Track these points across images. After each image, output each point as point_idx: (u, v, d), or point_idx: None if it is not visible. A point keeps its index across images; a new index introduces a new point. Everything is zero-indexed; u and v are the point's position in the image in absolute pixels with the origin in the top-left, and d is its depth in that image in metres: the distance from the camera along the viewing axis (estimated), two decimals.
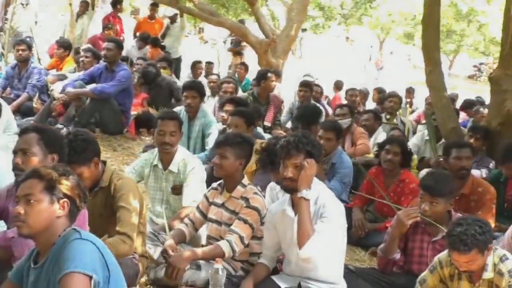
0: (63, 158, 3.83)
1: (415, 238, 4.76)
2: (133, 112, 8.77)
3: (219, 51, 17.03)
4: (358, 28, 37.34)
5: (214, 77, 11.05)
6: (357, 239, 6.14)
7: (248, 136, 5.13)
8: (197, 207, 4.85)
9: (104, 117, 8.08)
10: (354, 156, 7.33)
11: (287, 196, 4.32)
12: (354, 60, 37.70)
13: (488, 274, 3.87)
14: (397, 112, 9.86)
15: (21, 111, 8.83)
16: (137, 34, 14.74)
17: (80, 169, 4.12)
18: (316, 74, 16.90)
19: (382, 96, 11.51)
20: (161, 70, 10.37)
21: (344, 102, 11.86)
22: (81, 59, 9.51)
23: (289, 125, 9.58)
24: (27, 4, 12.75)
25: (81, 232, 3.00)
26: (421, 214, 4.55)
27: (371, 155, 7.55)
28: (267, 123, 8.79)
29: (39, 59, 11.50)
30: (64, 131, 7.61)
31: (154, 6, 15.50)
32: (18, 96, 9.06)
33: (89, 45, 11.76)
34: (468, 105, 10.82)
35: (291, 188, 4.16)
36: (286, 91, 12.48)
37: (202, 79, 12.36)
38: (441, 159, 6.97)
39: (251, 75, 13.08)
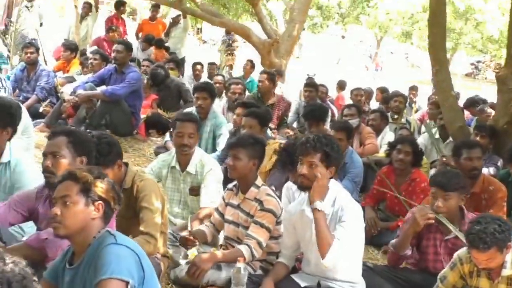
0: (92, 160, 3.90)
1: (429, 236, 4.83)
2: (142, 115, 8.83)
3: (221, 52, 17.10)
4: (356, 27, 37.45)
5: (219, 78, 11.11)
6: (369, 237, 6.20)
7: (260, 136, 5.20)
8: (217, 209, 4.96)
9: (115, 118, 8.16)
10: (362, 155, 7.41)
11: (305, 196, 4.39)
12: (353, 60, 37.87)
13: (507, 271, 3.94)
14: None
15: (31, 113, 8.86)
16: (139, 35, 14.83)
17: (105, 171, 4.20)
18: (317, 75, 17.07)
19: (386, 95, 11.58)
20: (169, 71, 10.42)
21: (348, 102, 11.96)
22: (89, 61, 9.60)
23: (295, 125, 9.67)
24: (31, 7, 12.79)
25: (116, 236, 3.07)
26: (435, 212, 4.64)
27: (380, 154, 7.65)
28: (271, 125, 8.86)
29: (45, 61, 11.57)
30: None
31: (155, 8, 15.57)
32: (27, 99, 9.13)
33: (96, 47, 11.83)
34: (472, 104, 10.88)
35: (304, 185, 4.24)
36: (287, 91, 12.53)
37: (205, 80, 12.43)
38: (444, 159, 7.11)
39: (256, 74, 13.20)
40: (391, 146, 6.56)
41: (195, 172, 5.45)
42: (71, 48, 11.26)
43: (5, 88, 6.62)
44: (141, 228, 4.18)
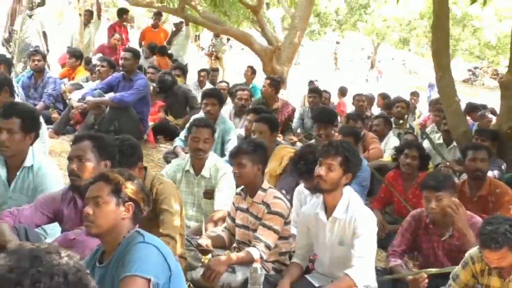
0: (115, 164, 4.01)
1: (427, 239, 4.96)
2: (150, 122, 8.93)
3: (223, 58, 17.18)
4: (353, 34, 37.66)
5: (223, 84, 11.21)
6: (377, 240, 6.31)
7: (260, 140, 5.28)
8: (228, 214, 5.07)
9: (123, 125, 8.22)
10: (367, 160, 7.50)
11: (318, 200, 4.51)
12: (350, 66, 37.97)
13: None
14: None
15: None
16: (142, 43, 14.92)
17: None
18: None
19: (388, 101, 11.70)
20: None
21: (349, 108, 12.07)
22: (97, 68, 9.70)
23: (299, 131, 9.78)
24: (33, 15, 12.88)
25: (144, 235, 3.18)
26: (430, 213, 4.77)
27: (385, 159, 7.77)
28: None
29: (48, 67, 11.65)
30: None
31: (157, 15, 15.65)
32: (34, 106, 9.19)
33: (101, 55, 11.93)
34: (472, 109, 11.00)
35: (320, 187, 4.34)
36: (289, 98, 12.64)
37: (208, 86, 12.53)
38: (448, 163, 7.24)
39: (256, 80, 13.31)
40: (398, 150, 6.68)
41: (209, 176, 5.57)
42: (76, 55, 11.34)
43: (18, 95, 6.72)
44: (161, 230, 4.28)
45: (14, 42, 12.75)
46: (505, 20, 26.90)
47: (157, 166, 7.73)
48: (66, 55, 11.73)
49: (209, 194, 5.58)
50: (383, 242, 6.30)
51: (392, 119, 9.54)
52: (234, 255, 4.65)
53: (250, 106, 8.58)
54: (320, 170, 4.29)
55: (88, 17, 14.50)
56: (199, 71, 13.04)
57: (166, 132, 8.90)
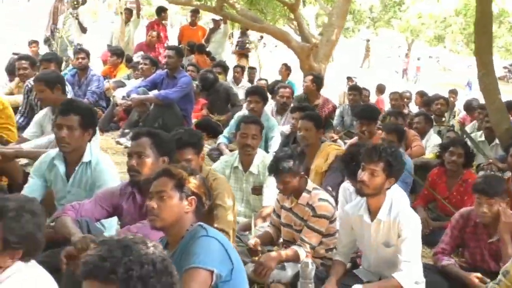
0: (173, 160, 4.13)
1: (476, 238, 5.00)
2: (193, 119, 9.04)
3: (259, 56, 17.23)
4: (386, 31, 37.46)
5: (263, 82, 11.28)
6: (422, 237, 6.35)
7: (293, 149, 5.26)
8: (274, 211, 5.15)
9: (167, 122, 8.33)
10: (410, 157, 7.52)
11: (363, 200, 4.53)
12: (384, 63, 37.77)
13: None
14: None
15: None
16: (181, 41, 15.05)
17: None
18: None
19: (427, 99, 11.68)
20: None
21: (387, 105, 12.07)
22: (140, 66, 9.84)
23: (339, 129, 9.82)
24: (76, 14, 13.09)
25: (207, 229, 3.28)
26: (481, 217, 4.81)
27: (427, 156, 7.79)
28: None
29: None
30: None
31: (194, 13, 15.70)
32: None
33: (141, 53, 12.09)
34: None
35: (362, 192, 4.37)
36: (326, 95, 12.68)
37: (245, 83, 12.63)
38: (492, 160, 7.23)
39: (293, 77, 13.37)
40: (443, 148, 6.70)
41: (257, 172, 5.67)
42: (117, 53, 11.52)
43: (68, 92, 6.87)
44: (216, 225, 4.37)
45: (56, 40, 13.00)
46: None
47: None
48: (108, 53, 11.90)
49: (257, 190, 5.68)
50: (427, 238, 6.33)
51: (432, 117, 9.54)
52: (284, 253, 4.72)
53: (292, 104, 8.64)
54: (363, 176, 4.30)
55: (127, 15, 14.69)
56: (234, 68, 13.13)
57: (208, 129, 9.00)
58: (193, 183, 3.34)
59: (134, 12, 14.78)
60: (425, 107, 11.16)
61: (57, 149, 4.68)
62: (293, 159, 4.80)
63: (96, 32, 16.72)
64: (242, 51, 16.49)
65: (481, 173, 7.23)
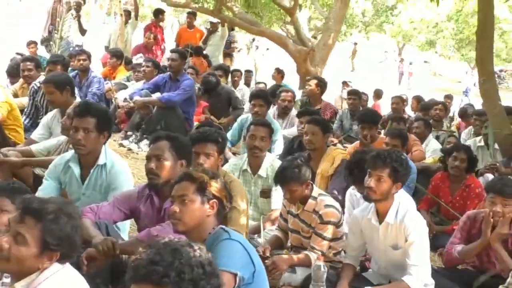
0: (190, 163, 4.18)
1: None
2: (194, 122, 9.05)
3: (255, 59, 17.23)
4: (377, 36, 37.59)
5: (262, 85, 11.32)
6: None
7: (302, 162, 5.12)
8: (280, 215, 5.19)
9: (170, 124, 8.35)
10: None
11: (371, 204, 4.58)
12: (375, 68, 37.83)
13: None
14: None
15: None
16: (179, 44, 15.03)
17: None
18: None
19: (425, 104, 11.75)
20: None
21: (384, 110, 12.13)
22: (142, 68, 9.85)
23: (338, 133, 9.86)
24: (79, 16, 13.10)
25: (229, 232, 3.34)
26: (494, 216, 4.87)
27: (427, 161, 7.86)
28: None
29: None
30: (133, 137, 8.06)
31: (191, 15, 15.63)
32: None
33: (140, 55, 12.11)
34: (510, 112, 10.99)
35: (369, 197, 4.43)
36: None
37: (242, 87, 12.63)
38: (498, 163, 7.31)
39: (285, 80, 13.39)
40: (446, 153, 6.77)
41: (266, 175, 5.71)
42: (117, 55, 11.50)
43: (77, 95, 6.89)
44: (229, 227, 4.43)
45: (54, 41, 12.97)
46: None
47: None
48: (107, 55, 11.89)
49: (266, 193, 5.71)
50: (431, 242, 6.40)
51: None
52: (295, 256, 4.77)
53: (299, 108, 8.67)
54: (370, 182, 4.36)
55: (126, 17, 14.65)
56: (232, 71, 13.12)
57: None
58: (214, 186, 3.38)
59: (133, 14, 14.72)
60: (423, 112, 11.22)
61: (72, 152, 4.71)
62: (299, 168, 4.82)
63: (88, 33, 16.64)
64: (227, 51, 16.39)
65: (482, 178, 7.32)
